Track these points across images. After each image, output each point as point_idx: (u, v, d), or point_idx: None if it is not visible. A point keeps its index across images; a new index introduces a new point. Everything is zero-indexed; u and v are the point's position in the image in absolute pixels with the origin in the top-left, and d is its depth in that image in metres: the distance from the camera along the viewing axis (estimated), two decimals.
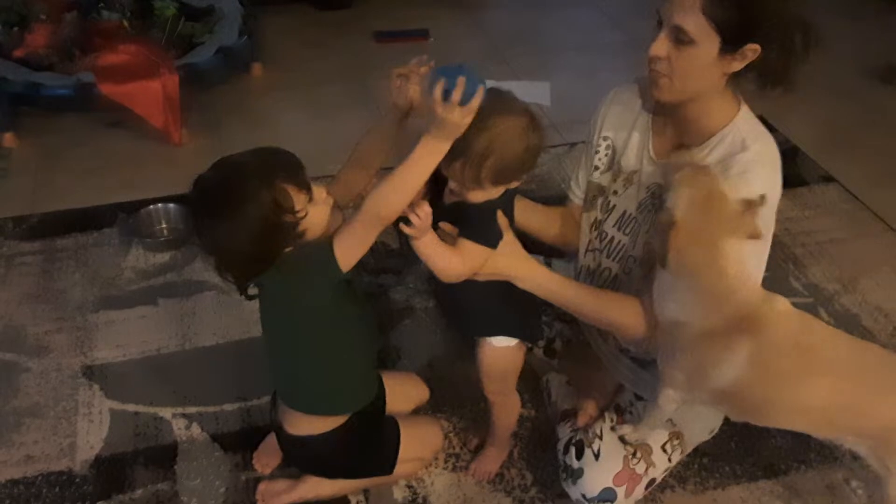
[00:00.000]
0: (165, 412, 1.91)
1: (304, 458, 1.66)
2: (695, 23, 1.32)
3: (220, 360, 2.06)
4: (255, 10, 3.37)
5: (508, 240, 1.44)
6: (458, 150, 1.28)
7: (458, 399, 1.94)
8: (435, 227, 1.38)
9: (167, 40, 3.05)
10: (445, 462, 1.81)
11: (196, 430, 1.87)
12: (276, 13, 3.76)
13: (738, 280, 1.34)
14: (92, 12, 3.14)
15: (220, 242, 1.29)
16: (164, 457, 1.81)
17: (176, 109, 2.83)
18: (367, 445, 1.62)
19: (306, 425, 1.55)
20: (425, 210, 1.30)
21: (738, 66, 1.37)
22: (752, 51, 1.34)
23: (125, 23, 3.12)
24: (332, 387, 1.54)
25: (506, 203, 1.44)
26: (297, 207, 1.28)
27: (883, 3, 3.90)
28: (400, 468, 1.66)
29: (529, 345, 1.68)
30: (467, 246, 1.40)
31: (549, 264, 1.85)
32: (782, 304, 1.39)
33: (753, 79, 1.41)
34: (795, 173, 2.73)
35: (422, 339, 2.13)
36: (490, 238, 1.41)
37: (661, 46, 1.38)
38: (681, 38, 1.35)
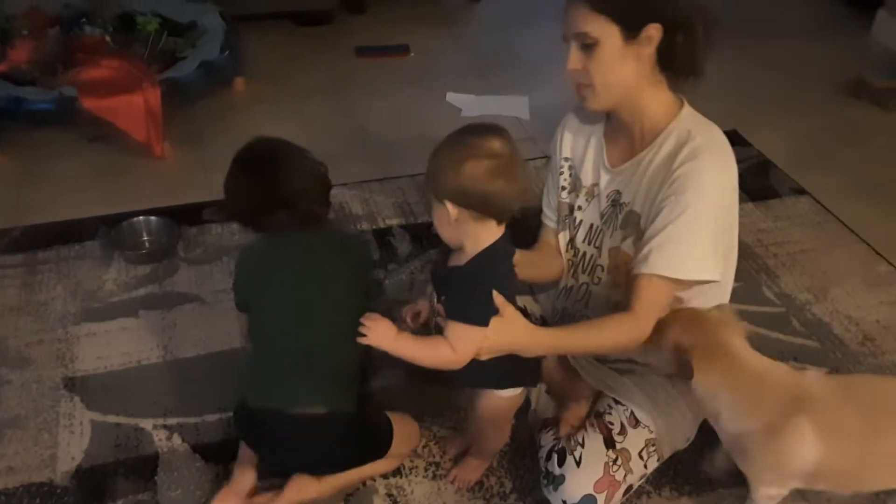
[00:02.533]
0: (146, 423, 1.92)
1: (302, 448, 1.62)
2: (591, 22, 1.41)
3: (201, 371, 2.07)
4: (237, 26, 3.40)
5: (509, 315, 1.38)
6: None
7: (438, 408, 1.96)
8: (442, 292, 1.41)
9: (149, 55, 3.08)
10: (426, 470, 1.83)
11: (177, 440, 1.88)
12: (257, 28, 3.79)
13: (764, 371, 1.44)
14: (74, 27, 3.17)
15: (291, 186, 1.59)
16: (144, 468, 1.82)
17: (158, 123, 2.84)
18: (368, 427, 1.67)
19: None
20: (374, 324, 1.31)
21: (647, 50, 1.44)
22: (655, 29, 1.41)
23: (107, 38, 3.15)
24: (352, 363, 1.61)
25: (499, 265, 1.39)
26: None
27: (853, 18, 3.99)
28: (380, 464, 1.73)
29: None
30: (456, 331, 1.33)
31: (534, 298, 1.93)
32: (812, 374, 1.50)
33: (669, 74, 1.49)
34: (767, 186, 2.77)
35: None
36: (480, 310, 1.33)
37: (574, 60, 1.46)
38: (586, 44, 1.43)
